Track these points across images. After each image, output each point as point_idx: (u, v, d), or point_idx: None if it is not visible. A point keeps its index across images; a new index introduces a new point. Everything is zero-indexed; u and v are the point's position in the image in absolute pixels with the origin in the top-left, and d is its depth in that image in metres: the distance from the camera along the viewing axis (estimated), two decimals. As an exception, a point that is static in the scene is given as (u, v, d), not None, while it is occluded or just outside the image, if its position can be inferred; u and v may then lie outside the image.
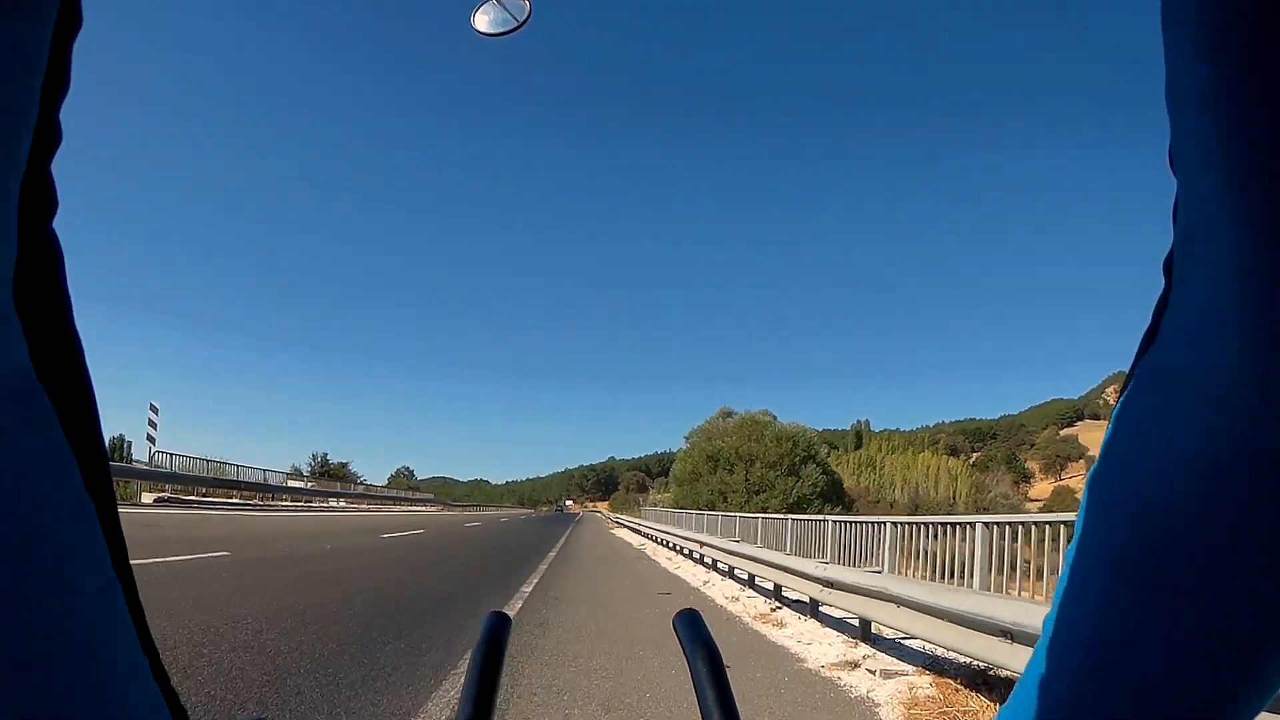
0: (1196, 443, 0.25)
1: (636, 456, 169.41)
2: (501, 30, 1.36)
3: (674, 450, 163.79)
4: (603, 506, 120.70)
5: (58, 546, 0.24)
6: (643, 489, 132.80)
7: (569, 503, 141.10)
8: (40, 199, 0.23)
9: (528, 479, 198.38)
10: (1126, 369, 0.28)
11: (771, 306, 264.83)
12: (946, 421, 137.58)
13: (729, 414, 52.43)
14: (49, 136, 0.22)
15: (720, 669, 0.39)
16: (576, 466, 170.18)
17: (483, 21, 1.35)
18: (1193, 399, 0.25)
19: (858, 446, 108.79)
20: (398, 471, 79.23)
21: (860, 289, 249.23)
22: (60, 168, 0.23)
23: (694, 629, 0.42)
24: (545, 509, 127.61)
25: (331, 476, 47.57)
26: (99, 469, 0.26)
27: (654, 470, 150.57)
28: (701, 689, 0.38)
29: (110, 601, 0.27)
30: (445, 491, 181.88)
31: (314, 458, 50.93)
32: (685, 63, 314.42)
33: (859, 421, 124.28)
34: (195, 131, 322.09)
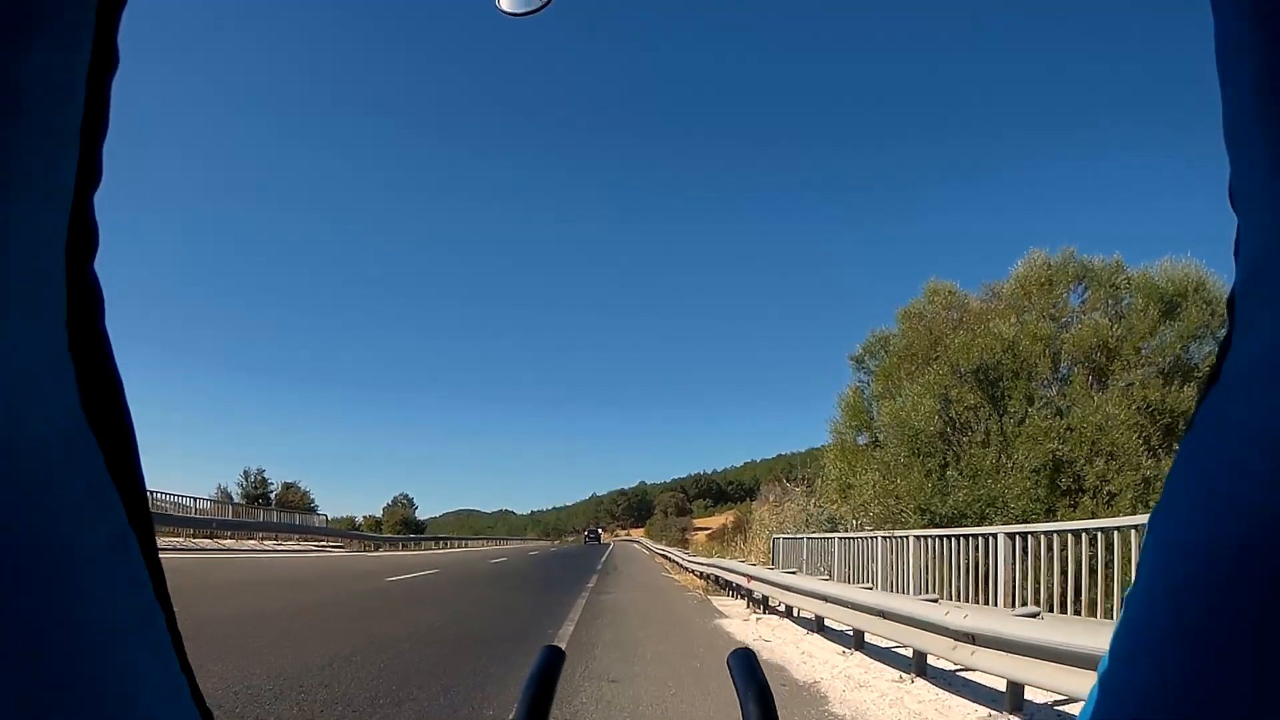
0: (1256, 489, 0.24)
1: (671, 479, 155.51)
2: (527, 10, 1.33)
3: (718, 470, 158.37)
4: (638, 534, 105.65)
5: (101, 577, 0.26)
6: (683, 511, 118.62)
7: (600, 531, 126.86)
8: (83, 238, 0.23)
9: (554, 508, 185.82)
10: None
11: (798, 323, 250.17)
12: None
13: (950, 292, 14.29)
14: (90, 174, 0.23)
15: (772, 709, 0.38)
16: (605, 493, 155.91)
17: (507, 1, 1.32)
18: (1253, 444, 0.24)
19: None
20: (395, 500, 65.41)
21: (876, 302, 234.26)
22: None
23: (748, 669, 0.41)
24: (573, 539, 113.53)
25: (273, 504, 34.85)
26: (139, 503, 0.27)
27: (691, 492, 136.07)
28: None
29: (152, 625, 0.28)
30: (469, 525, 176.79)
31: (246, 475, 36.33)
32: (699, 79, 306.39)
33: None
34: (149, 148, 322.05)
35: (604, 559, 29.18)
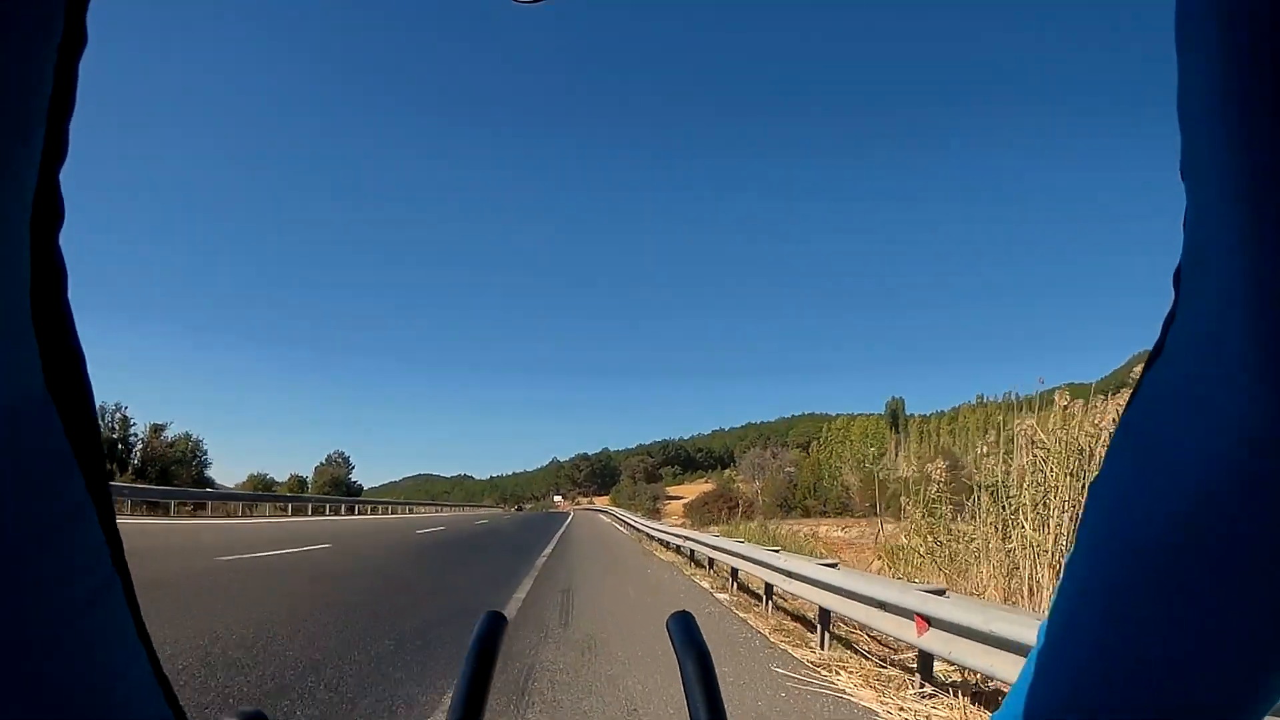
0: (1198, 457, 0.25)
1: (636, 444, 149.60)
2: None
3: (685, 438, 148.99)
4: (603, 501, 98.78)
5: (61, 545, 0.26)
6: (652, 478, 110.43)
7: (558, 499, 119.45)
8: (48, 211, 0.23)
9: (514, 473, 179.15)
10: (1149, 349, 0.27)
11: (769, 299, 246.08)
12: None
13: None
14: (56, 150, 0.23)
15: (710, 670, 0.39)
16: (567, 458, 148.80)
17: None
18: (1196, 414, 0.25)
19: (893, 428, 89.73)
20: (329, 458, 56.99)
21: (854, 280, 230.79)
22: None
23: (687, 631, 0.42)
24: (531, 506, 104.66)
25: (133, 456, 25.84)
26: (98, 472, 0.27)
27: (658, 458, 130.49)
28: (691, 689, 0.38)
29: (109, 595, 0.28)
30: (425, 490, 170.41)
31: (102, 411, 23.98)
32: (687, 58, 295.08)
33: (894, 399, 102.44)
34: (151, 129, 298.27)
35: (555, 540, 19.46)
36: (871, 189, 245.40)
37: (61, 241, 0.24)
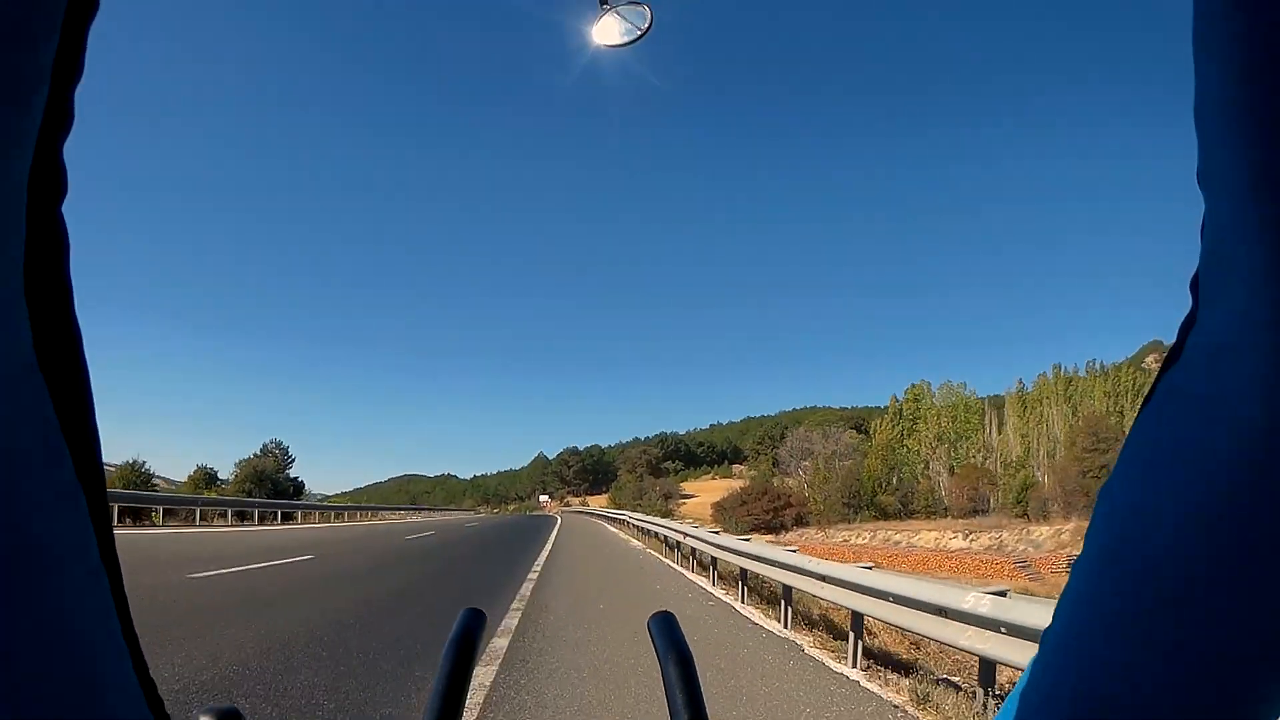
0: (1212, 464, 0.25)
1: (630, 438, 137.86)
2: (625, 40, 1.34)
3: (680, 433, 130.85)
4: (598, 502, 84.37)
5: (46, 532, 0.24)
6: (657, 471, 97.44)
7: (544, 499, 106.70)
8: (49, 181, 0.23)
9: (500, 471, 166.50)
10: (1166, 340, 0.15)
11: (759, 291, 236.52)
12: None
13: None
14: (60, 117, 0.22)
15: (692, 671, 0.39)
16: (555, 454, 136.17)
17: (605, 34, 1.34)
18: (1211, 420, 0.25)
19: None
20: (264, 448, 44.57)
21: (851, 269, 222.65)
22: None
23: (668, 631, 0.42)
24: (514, 508, 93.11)
25: None
26: (90, 458, 0.26)
27: (656, 454, 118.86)
28: (672, 690, 0.38)
29: (96, 588, 0.27)
30: (408, 490, 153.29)
31: None
32: (701, 39, 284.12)
33: (917, 384, 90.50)
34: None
35: (539, 562, 12.72)
36: (866, 183, 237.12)
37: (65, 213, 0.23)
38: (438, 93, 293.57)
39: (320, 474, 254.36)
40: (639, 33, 1.22)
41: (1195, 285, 0.26)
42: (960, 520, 40.94)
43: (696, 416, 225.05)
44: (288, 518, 26.94)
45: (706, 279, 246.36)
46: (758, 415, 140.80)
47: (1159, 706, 0.26)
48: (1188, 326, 0.26)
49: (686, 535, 12.55)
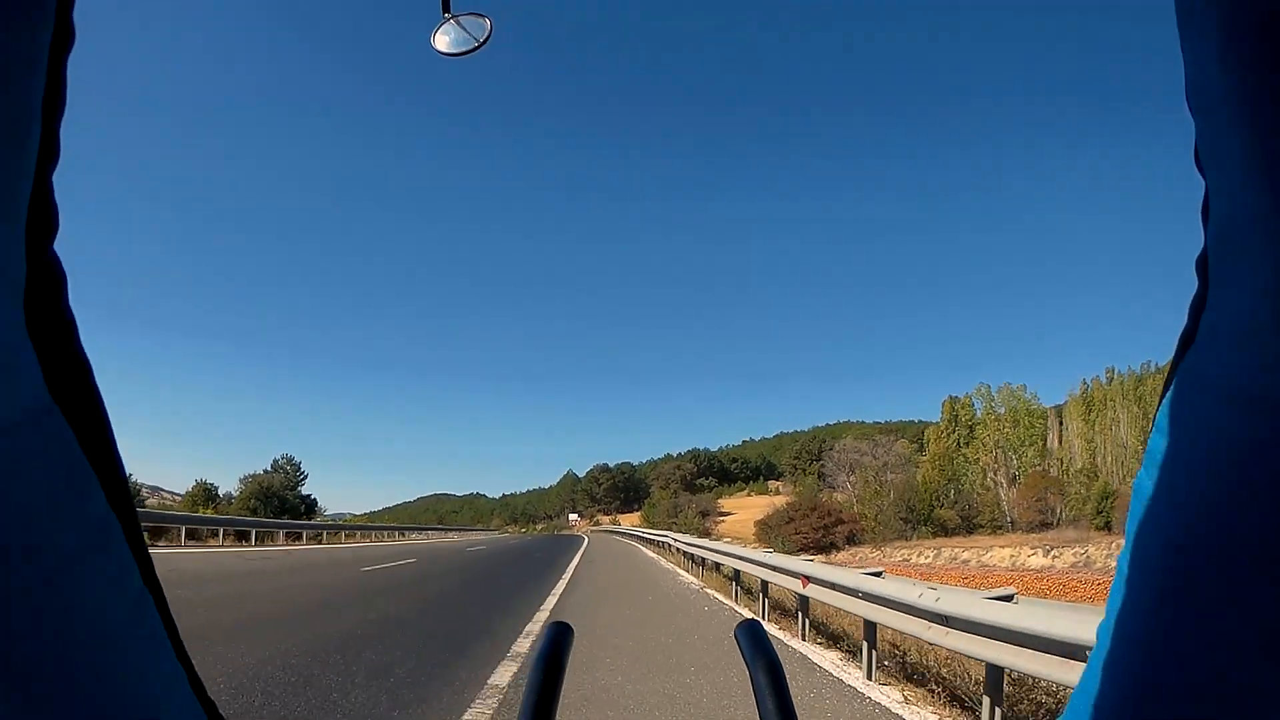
0: (1237, 446, 0.24)
1: (661, 454, 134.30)
2: (461, 50, 1.38)
3: (712, 449, 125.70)
4: (629, 521, 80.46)
5: (87, 565, 0.25)
6: (693, 487, 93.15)
7: (573, 517, 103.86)
8: (43, 218, 0.23)
9: (529, 490, 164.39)
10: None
11: (792, 302, 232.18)
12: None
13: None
14: (50, 152, 0.22)
15: (782, 680, 0.39)
16: (585, 472, 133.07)
17: (443, 42, 1.36)
18: (1235, 402, 0.24)
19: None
20: (274, 464, 41.91)
21: (878, 284, 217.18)
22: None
23: (756, 640, 0.42)
24: (542, 528, 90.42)
25: None
26: (119, 486, 0.26)
27: (689, 470, 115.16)
28: (762, 699, 0.38)
29: (143, 614, 0.27)
30: (436, 510, 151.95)
31: None
32: (677, 59, 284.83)
33: (952, 398, 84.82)
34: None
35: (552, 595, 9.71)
36: (902, 198, 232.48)
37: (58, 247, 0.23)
38: (457, 104, 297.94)
39: (352, 494, 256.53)
40: (475, 43, 1.30)
41: (1203, 266, 0.25)
42: (1032, 535, 36.94)
43: (728, 432, 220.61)
44: (295, 537, 24.90)
45: (737, 294, 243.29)
46: (790, 430, 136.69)
47: (1211, 693, 0.26)
48: (1198, 308, 0.26)
49: (798, 576, 6.74)
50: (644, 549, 27.97)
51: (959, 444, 49.27)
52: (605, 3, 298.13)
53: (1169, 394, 0.27)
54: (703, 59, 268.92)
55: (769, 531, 44.58)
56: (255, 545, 20.27)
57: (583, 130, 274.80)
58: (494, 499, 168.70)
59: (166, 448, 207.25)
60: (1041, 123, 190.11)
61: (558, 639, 0.41)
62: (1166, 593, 0.27)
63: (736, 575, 10.09)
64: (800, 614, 6.84)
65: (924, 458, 50.34)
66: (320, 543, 25.37)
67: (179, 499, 31.66)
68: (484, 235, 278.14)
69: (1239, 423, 0.24)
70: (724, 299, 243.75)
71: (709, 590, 11.28)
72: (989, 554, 34.29)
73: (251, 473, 37.37)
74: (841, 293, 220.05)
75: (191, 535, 18.37)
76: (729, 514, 73.83)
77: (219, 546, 18.49)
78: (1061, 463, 43.62)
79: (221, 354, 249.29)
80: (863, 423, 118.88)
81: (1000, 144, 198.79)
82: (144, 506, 23.28)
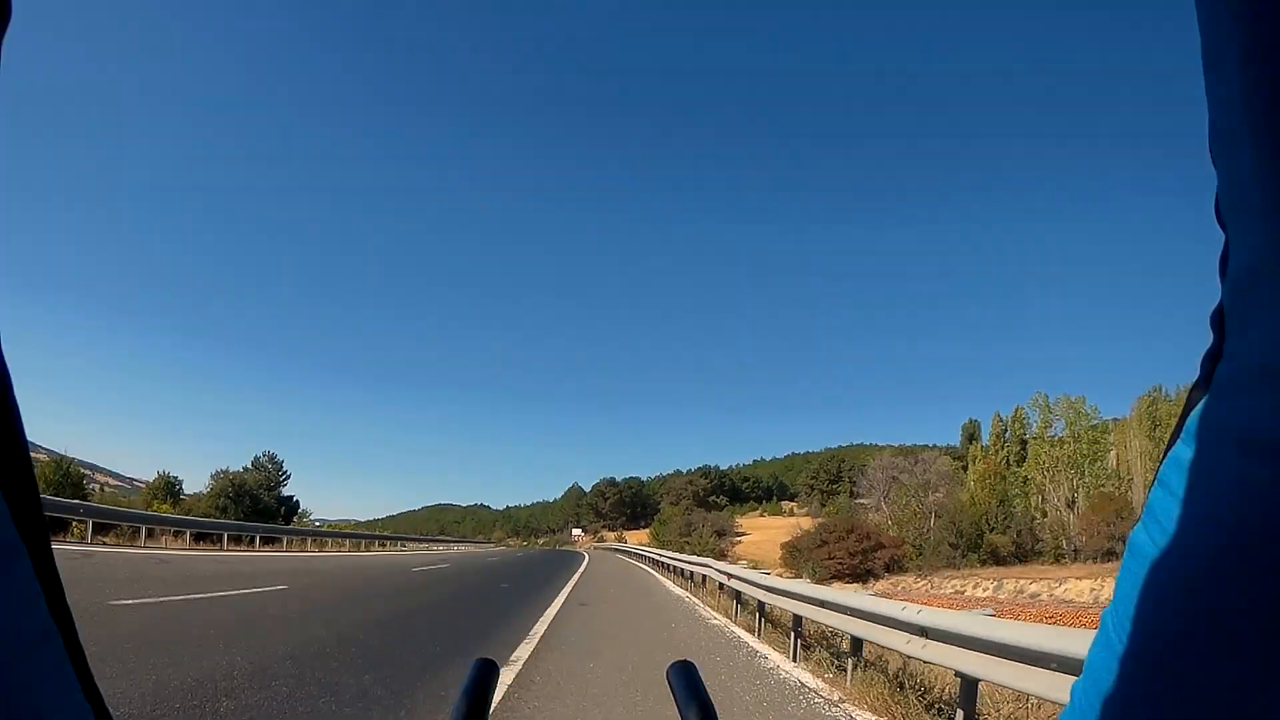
0: (1256, 498, 0.24)
1: (671, 470, 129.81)
2: None
3: (722, 467, 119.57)
4: (636, 538, 75.13)
5: None
6: (706, 504, 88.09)
7: (576, 532, 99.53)
8: None
9: (533, 503, 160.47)
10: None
11: (806, 323, 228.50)
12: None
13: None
14: None
15: None
16: (591, 485, 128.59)
17: None
18: (1252, 453, 0.24)
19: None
20: (255, 461, 38.21)
21: (885, 300, 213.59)
22: None
23: (689, 681, 0.41)
24: (544, 542, 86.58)
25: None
26: (30, 508, 0.24)
27: (700, 487, 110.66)
28: None
29: (47, 650, 0.25)
30: (439, 520, 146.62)
31: None
32: (681, 69, 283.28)
33: (972, 420, 78.94)
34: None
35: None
36: (918, 222, 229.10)
37: None
38: (462, 116, 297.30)
39: (356, 501, 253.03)
40: None
41: (1219, 319, 0.25)
42: (1106, 564, 32.48)
43: (738, 452, 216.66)
44: (271, 541, 22.20)
45: (747, 313, 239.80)
46: (802, 451, 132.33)
47: None
48: (1213, 359, 0.25)
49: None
50: (659, 577, 19.71)
51: (1008, 461, 44.73)
52: (616, 14, 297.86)
53: (1180, 445, 0.27)
54: (728, 67, 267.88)
55: (797, 555, 40.17)
56: (226, 549, 18.24)
57: (603, 140, 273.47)
58: (497, 510, 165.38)
59: (187, 444, 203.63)
60: (1049, 136, 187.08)
61: (482, 675, 0.40)
62: (1161, 656, 0.25)
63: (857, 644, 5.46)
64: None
65: (970, 476, 45.20)
66: (294, 550, 22.39)
67: (140, 485, 28.16)
68: (498, 248, 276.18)
69: (1260, 473, 0.23)
70: (738, 317, 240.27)
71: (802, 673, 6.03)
72: (1062, 587, 29.86)
73: (225, 468, 33.68)
74: (855, 316, 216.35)
75: (152, 534, 16.90)
76: (744, 534, 69.56)
77: (182, 549, 16.49)
78: (1121, 482, 39.41)
79: (236, 359, 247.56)
80: (876, 445, 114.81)
81: (1007, 155, 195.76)
82: (85, 494, 20.62)
